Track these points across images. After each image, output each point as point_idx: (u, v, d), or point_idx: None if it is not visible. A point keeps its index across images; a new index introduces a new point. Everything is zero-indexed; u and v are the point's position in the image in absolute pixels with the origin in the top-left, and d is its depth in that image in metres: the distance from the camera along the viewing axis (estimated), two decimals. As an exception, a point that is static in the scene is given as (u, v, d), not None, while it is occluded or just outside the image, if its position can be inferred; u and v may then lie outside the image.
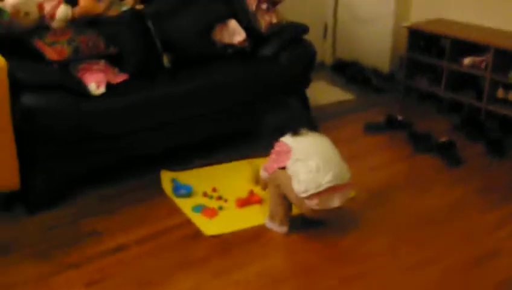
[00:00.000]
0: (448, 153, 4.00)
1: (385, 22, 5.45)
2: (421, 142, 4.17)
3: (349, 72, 5.57)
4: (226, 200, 3.46)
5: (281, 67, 4.08)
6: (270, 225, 3.19)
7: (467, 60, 4.61)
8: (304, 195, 2.94)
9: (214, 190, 3.57)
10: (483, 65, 4.52)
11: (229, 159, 3.90)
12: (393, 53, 5.50)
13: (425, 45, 4.99)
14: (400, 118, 4.54)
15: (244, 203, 3.42)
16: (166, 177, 3.68)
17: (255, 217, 3.30)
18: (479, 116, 4.55)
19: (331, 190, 2.95)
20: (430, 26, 4.92)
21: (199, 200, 3.47)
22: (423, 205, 3.45)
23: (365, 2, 5.64)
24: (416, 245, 3.05)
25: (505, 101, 4.50)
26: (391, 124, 4.50)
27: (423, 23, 5.01)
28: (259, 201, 3.42)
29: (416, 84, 5.07)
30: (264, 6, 4.04)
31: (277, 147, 3.16)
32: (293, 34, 4.20)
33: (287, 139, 3.12)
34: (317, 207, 2.96)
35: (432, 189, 3.63)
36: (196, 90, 3.72)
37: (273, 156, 3.18)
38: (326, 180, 2.93)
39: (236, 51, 4.07)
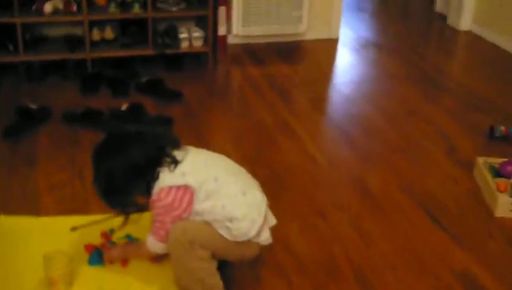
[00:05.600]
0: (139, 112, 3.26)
1: None
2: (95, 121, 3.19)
3: None
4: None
5: None
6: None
7: (48, 6, 3.58)
8: (253, 233, 1.94)
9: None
10: (74, 8, 3.63)
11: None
12: None
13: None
14: (33, 105, 3.25)
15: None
16: None
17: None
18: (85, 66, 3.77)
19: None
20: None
21: None
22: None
23: None
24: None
25: (103, 42, 3.85)
26: (28, 116, 3.18)
27: None
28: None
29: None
30: None
31: (163, 200, 1.89)
32: None
33: (170, 178, 1.90)
34: (269, 240, 2.04)
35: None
36: None
37: (160, 217, 1.93)
38: (258, 199, 2.00)
39: None
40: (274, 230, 2.03)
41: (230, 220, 1.90)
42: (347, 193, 2.74)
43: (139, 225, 2.30)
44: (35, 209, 2.49)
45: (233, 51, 4.37)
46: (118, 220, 2.30)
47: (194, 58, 4.07)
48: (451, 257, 2.33)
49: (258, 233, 1.95)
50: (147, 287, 2.09)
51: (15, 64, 3.70)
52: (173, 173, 1.89)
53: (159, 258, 2.18)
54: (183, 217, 1.90)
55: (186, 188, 1.88)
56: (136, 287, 2.07)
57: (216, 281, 1.95)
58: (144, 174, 1.90)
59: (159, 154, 1.91)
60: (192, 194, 1.89)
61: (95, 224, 2.38)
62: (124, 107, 3.28)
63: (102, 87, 3.61)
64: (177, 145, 1.99)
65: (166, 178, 1.89)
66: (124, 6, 3.72)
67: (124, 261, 2.19)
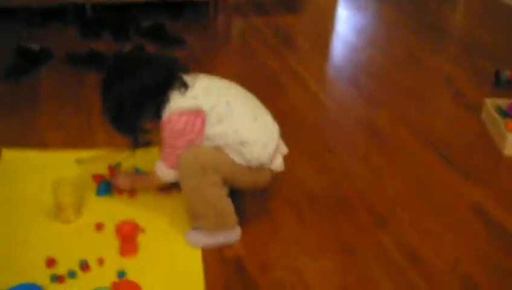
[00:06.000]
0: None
1: None
2: (98, 62, 3.13)
3: None
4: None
5: None
6: (203, 238, 1.97)
7: None
8: (265, 157, 1.91)
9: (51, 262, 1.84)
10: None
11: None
12: None
13: None
14: (35, 46, 3.19)
15: (130, 249, 1.93)
16: None
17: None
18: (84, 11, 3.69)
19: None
20: None
21: None
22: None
23: None
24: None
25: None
26: (30, 57, 3.12)
27: None
28: (140, 228, 1.99)
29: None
30: None
31: (174, 123, 1.85)
32: None
33: (181, 101, 1.86)
34: (282, 167, 2.02)
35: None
36: None
37: (171, 141, 1.89)
38: (270, 124, 1.98)
39: None
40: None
41: (243, 144, 1.86)
42: (355, 132, 2.72)
43: (147, 158, 2.28)
44: (40, 146, 2.44)
45: (235, 1, 4.29)
46: (124, 154, 2.28)
47: (195, 6, 4.00)
48: (463, 192, 2.32)
49: (271, 158, 1.92)
50: (156, 217, 2.06)
51: (13, 8, 3.61)
52: (184, 96, 1.85)
53: (167, 189, 2.16)
54: (195, 141, 1.87)
55: (197, 112, 1.84)
56: (144, 218, 2.04)
57: (228, 207, 1.93)
58: (154, 97, 1.85)
59: (169, 78, 1.87)
60: (203, 117, 1.85)
61: (101, 158, 2.35)
62: (127, 49, 3.22)
63: (103, 33, 3.54)
64: (187, 70, 1.95)
65: (178, 101, 1.85)
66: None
67: (132, 192, 2.16)
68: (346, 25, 4.14)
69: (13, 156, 2.35)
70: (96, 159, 2.34)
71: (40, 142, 2.46)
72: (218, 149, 1.89)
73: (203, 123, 1.86)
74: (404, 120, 2.82)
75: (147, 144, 2.31)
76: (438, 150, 2.58)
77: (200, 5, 3.97)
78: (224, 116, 1.87)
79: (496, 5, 4.55)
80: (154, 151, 2.37)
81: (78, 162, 2.33)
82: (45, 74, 3.04)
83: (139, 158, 2.29)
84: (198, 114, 1.85)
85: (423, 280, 1.87)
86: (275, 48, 3.56)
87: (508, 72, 3.21)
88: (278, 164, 1.97)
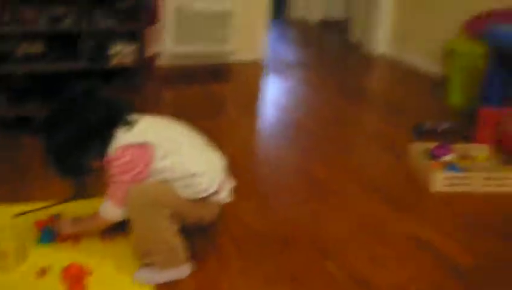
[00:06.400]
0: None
1: None
2: (29, 125, 3.11)
3: None
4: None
5: None
6: (155, 275, 1.94)
7: None
8: (214, 188, 1.95)
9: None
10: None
11: None
12: None
13: None
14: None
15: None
16: None
17: None
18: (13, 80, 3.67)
19: None
20: None
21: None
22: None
23: None
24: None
25: (32, 56, 3.77)
26: None
27: None
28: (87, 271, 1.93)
29: None
30: None
31: (121, 158, 1.86)
32: None
33: (127, 137, 1.88)
34: (229, 198, 2.06)
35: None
36: None
37: (119, 177, 1.89)
38: (217, 157, 2.06)
39: None
40: (226, 206, 2.07)
41: (191, 176, 1.90)
42: (293, 180, 2.80)
43: (89, 209, 2.23)
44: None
45: (164, 70, 4.42)
46: (63, 207, 2.25)
47: (124, 74, 4.05)
48: (400, 226, 2.42)
49: (218, 190, 1.96)
50: (103, 261, 2.02)
51: None
52: (130, 132, 1.89)
53: (111, 235, 2.12)
54: (142, 176, 1.87)
55: (145, 146, 1.87)
56: (91, 261, 1.99)
57: (179, 242, 1.93)
58: (99, 136, 1.87)
59: (114, 115, 1.91)
60: (151, 151, 1.87)
61: (41, 210, 2.29)
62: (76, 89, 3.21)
63: (33, 98, 3.52)
64: (131, 108, 1.99)
65: (123, 137, 1.88)
66: (54, 20, 3.69)
67: (76, 239, 2.11)
68: (273, 91, 4.34)
69: None
70: (36, 211, 2.28)
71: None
72: (166, 183, 1.90)
73: (150, 156, 1.88)
74: (339, 169, 2.94)
75: (90, 196, 2.29)
76: (373, 192, 2.70)
77: (130, 72, 4.03)
78: (172, 150, 1.90)
79: (411, 71, 4.92)
80: (96, 203, 2.33)
81: (17, 215, 2.26)
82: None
83: (81, 209, 2.25)
84: (145, 148, 1.87)
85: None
86: (205, 113, 3.67)
87: (427, 123, 3.47)
88: (225, 195, 2.01)
